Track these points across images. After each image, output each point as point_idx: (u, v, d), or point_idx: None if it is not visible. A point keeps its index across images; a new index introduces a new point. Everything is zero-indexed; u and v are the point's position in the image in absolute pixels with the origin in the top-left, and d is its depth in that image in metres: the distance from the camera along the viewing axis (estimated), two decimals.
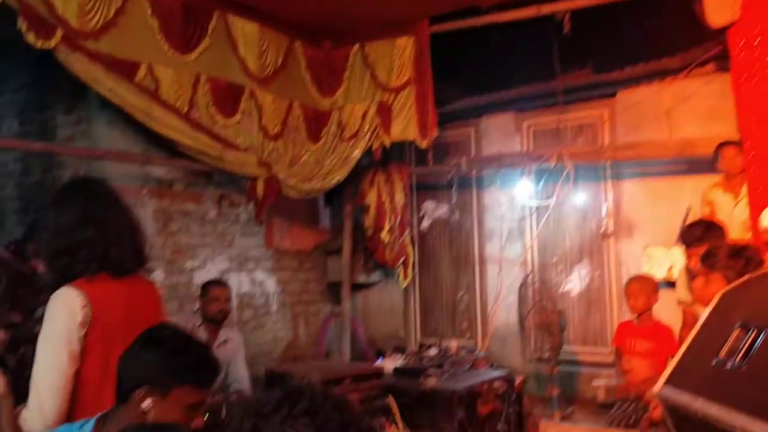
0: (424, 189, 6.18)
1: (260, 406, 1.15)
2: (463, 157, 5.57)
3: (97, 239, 2.16)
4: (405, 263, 5.78)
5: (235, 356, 4.31)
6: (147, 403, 1.72)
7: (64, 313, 2.07)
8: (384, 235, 5.67)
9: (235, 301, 4.80)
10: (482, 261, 5.89)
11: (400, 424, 2.50)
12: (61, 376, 2.05)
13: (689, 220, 4.48)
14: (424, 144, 5.31)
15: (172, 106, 4.37)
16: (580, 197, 5.42)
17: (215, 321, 4.26)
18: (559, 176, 5.05)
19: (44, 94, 5.19)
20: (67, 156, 4.89)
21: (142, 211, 4.76)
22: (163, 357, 1.75)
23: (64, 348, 2.05)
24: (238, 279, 5.37)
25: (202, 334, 4.21)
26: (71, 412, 2.08)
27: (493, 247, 5.77)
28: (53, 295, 2.10)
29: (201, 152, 4.55)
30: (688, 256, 3.61)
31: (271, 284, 5.73)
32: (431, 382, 2.80)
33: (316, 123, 5.34)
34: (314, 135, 5.34)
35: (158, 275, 4.84)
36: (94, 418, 1.82)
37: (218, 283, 4.41)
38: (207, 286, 4.34)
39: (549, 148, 5.24)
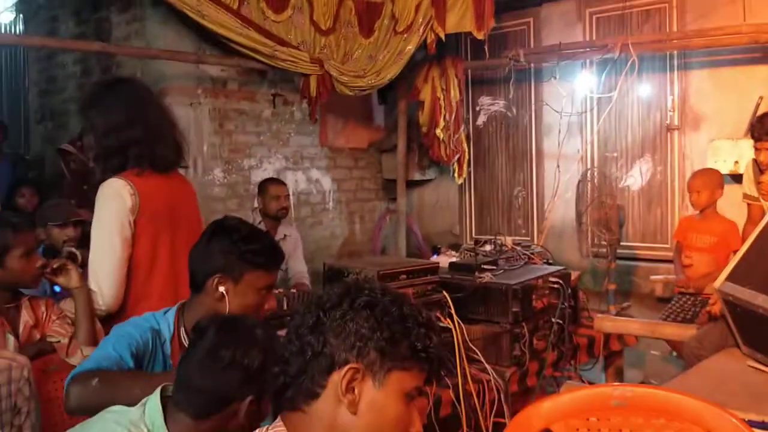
0: (480, 83, 6.01)
1: (322, 301, 1.18)
2: (521, 48, 5.34)
3: (144, 137, 2.26)
4: (460, 160, 5.72)
5: (294, 251, 4.44)
6: (221, 289, 1.82)
7: (115, 201, 2.21)
8: (439, 132, 5.59)
9: (292, 199, 4.88)
10: (539, 156, 5.78)
11: (455, 318, 2.55)
12: (116, 260, 2.20)
13: (760, 112, 4.26)
14: (480, 36, 5.11)
15: (223, 2, 4.30)
16: (644, 89, 5.18)
17: (275, 218, 4.37)
18: (623, 67, 4.81)
19: None
20: (124, 56, 4.92)
21: (198, 110, 4.81)
22: (233, 245, 1.83)
23: (117, 233, 2.20)
24: (294, 177, 5.44)
25: None
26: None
27: (551, 143, 5.63)
28: (102, 185, 2.23)
29: (253, 50, 4.50)
30: (757, 150, 3.46)
31: (326, 182, 5.79)
32: (486, 277, 2.82)
33: (368, 16, 5.17)
34: (367, 29, 5.19)
35: (217, 174, 4.95)
36: (175, 307, 1.92)
37: (277, 181, 4.48)
38: (266, 184, 4.42)
39: (612, 38, 4.97)
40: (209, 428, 1.47)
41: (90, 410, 1.54)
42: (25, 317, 2.38)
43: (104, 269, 2.20)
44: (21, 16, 6.41)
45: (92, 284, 2.19)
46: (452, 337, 2.47)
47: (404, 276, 2.53)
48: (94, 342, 2.18)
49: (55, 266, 2.29)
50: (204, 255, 1.87)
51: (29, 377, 1.64)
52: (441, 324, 2.51)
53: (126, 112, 2.27)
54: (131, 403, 1.50)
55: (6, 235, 2.27)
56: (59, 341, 2.34)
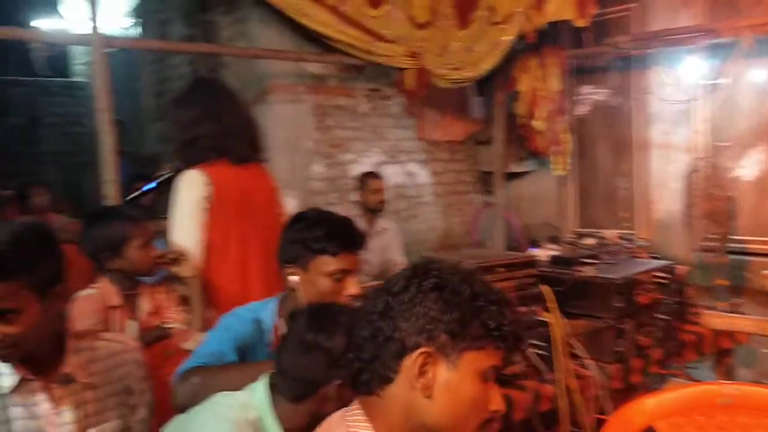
0: (581, 72, 5.84)
1: (390, 285, 1.17)
2: (625, 35, 5.15)
3: (217, 132, 2.44)
4: (560, 151, 5.60)
5: (392, 244, 4.51)
6: (294, 279, 1.89)
7: (190, 188, 2.39)
8: (538, 123, 5.49)
9: (389, 193, 4.94)
10: (644, 146, 5.56)
11: (556, 313, 2.52)
12: (192, 241, 2.37)
13: None
14: (581, 23, 4.98)
15: (323, 0, 4.40)
16: (758, 74, 4.88)
17: (373, 211, 4.45)
18: (733, 52, 4.55)
19: None
20: (229, 56, 5.14)
21: (300, 107, 4.95)
22: (296, 233, 1.90)
23: (192, 216, 2.38)
24: (391, 171, 5.50)
25: (360, 224, 4.42)
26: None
27: (657, 132, 5.40)
28: (179, 176, 2.42)
29: (351, 46, 4.58)
30: None
31: (423, 175, 5.81)
32: (587, 271, 2.76)
33: (464, 8, 5.13)
34: (463, 21, 5.15)
35: (318, 168, 5.08)
36: (277, 297, 2.01)
37: (374, 175, 4.56)
38: (364, 178, 4.51)
39: (722, 21, 4.71)
40: (307, 410, 1.54)
41: (195, 406, 1.65)
42: (145, 304, 2.56)
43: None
44: (136, 20, 6.80)
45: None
46: (551, 331, 2.44)
47: (502, 269, 2.52)
48: (207, 328, 2.31)
49: (170, 257, 2.44)
50: (279, 247, 1.94)
51: (142, 360, 1.72)
52: (540, 318, 2.48)
53: (203, 107, 2.47)
54: None
55: (125, 227, 2.45)
56: (176, 327, 2.50)
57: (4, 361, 1.50)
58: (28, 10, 9.14)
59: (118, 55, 7.08)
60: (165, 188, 2.77)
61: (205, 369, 1.76)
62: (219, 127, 2.45)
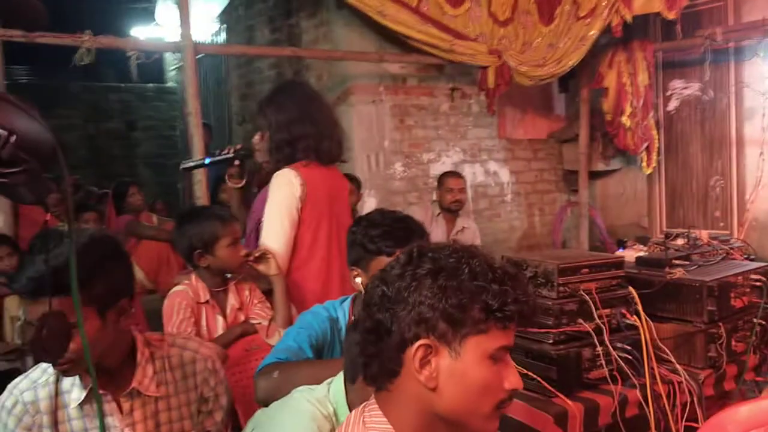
0: (671, 66, 5.61)
1: (386, 274, 1.12)
2: (719, 26, 4.91)
3: (313, 133, 2.51)
4: (649, 148, 5.40)
5: (472, 244, 4.47)
6: (358, 280, 1.92)
7: (286, 188, 2.47)
8: (625, 119, 5.31)
9: (470, 192, 4.91)
10: (740, 143, 5.28)
11: (643, 316, 2.43)
12: (285, 239, 2.46)
13: None
14: (671, 15, 4.78)
15: (403, 1, 4.42)
16: None
17: (452, 210, 4.43)
18: None
19: (290, 1, 5.56)
20: (312, 59, 5.25)
21: (380, 107, 4.99)
22: (355, 235, 1.94)
23: (287, 216, 2.47)
24: (471, 170, 5.46)
25: (440, 223, 4.42)
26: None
27: (754, 127, 5.12)
28: (276, 174, 2.50)
29: (431, 45, 4.58)
30: None
31: (504, 174, 5.74)
32: (677, 272, 2.65)
33: (548, 3, 5.04)
34: (546, 16, 5.06)
35: (398, 168, 5.11)
36: (351, 296, 2.04)
37: (454, 174, 4.54)
38: (443, 177, 4.50)
39: None
40: None
41: (276, 400, 1.69)
42: (231, 300, 2.65)
43: (274, 246, 2.49)
44: (223, 26, 7.04)
45: None
46: (639, 335, 2.36)
47: (586, 270, 2.45)
48: (290, 324, 2.36)
49: (257, 255, 2.52)
50: (347, 249, 2.00)
51: (214, 367, 1.72)
52: (627, 321, 2.40)
53: (298, 109, 2.53)
54: None
55: (216, 226, 2.55)
56: (260, 323, 2.58)
57: (65, 375, 1.53)
58: (125, 20, 9.64)
59: (206, 60, 7.36)
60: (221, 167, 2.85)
61: (285, 364, 1.80)
62: (314, 129, 2.53)
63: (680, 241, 3.30)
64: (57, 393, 1.57)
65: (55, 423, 1.56)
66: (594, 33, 4.96)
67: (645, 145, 5.36)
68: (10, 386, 1.59)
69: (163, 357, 1.67)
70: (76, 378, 1.56)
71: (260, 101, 2.71)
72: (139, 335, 1.67)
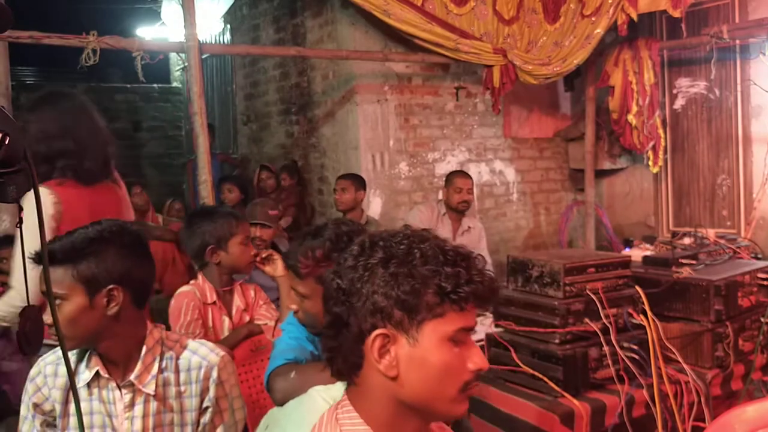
0: (677, 64, 5.59)
1: (340, 267, 1.11)
2: (724, 24, 4.89)
3: (74, 150, 2.29)
4: (655, 147, 5.38)
5: (478, 244, 4.46)
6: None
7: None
8: (631, 118, 5.29)
9: (475, 191, 4.89)
10: (747, 141, 5.25)
11: (650, 315, 2.42)
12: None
13: None
14: (676, 13, 4.76)
15: (408, 0, 4.41)
16: None
17: (459, 210, 4.42)
18: None
19: (295, 1, 5.56)
20: (317, 58, 5.25)
21: (384, 107, 4.99)
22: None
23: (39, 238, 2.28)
24: (477, 169, 5.46)
25: (445, 223, 4.41)
26: None
27: (761, 126, 5.10)
28: (27, 194, 2.32)
29: (436, 44, 4.57)
30: None
31: (510, 173, 5.73)
32: (684, 272, 2.64)
33: (553, 2, 5.02)
34: (552, 15, 5.04)
35: (403, 167, 5.10)
36: None
37: (462, 174, 4.53)
38: (452, 177, 4.49)
39: None
40: None
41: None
42: (237, 301, 2.65)
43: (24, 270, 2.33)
44: (228, 26, 7.05)
45: (14, 281, 2.21)
46: (645, 334, 2.35)
47: (593, 270, 2.44)
48: None
49: (263, 256, 2.53)
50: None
51: (220, 378, 1.68)
52: (634, 321, 2.39)
53: (60, 123, 2.30)
54: None
55: (230, 223, 2.57)
56: (266, 324, 2.58)
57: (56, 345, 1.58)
58: (130, 20, 9.67)
59: (211, 60, 7.38)
60: None
61: (300, 366, 1.79)
62: (76, 146, 2.30)
63: (687, 241, 3.29)
64: (75, 372, 1.61)
65: (66, 401, 1.61)
66: (599, 31, 4.94)
67: (651, 143, 5.33)
68: (41, 358, 1.66)
69: (172, 358, 1.67)
70: (88, 360, 1.60)
71: (26, 108, 2.44)
72: (156, 332, 1.67)
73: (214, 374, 1.68)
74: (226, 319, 2.59)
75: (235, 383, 1.74)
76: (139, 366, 1.60)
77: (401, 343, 1.05)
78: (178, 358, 1.67)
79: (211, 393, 1.68)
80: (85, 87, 9.12)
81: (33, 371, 1.66)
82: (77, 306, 1.52)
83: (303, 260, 1.74)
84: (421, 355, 1.05)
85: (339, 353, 1.11)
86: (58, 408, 1.62)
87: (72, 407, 1.61)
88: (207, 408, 1.68)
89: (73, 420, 1.61)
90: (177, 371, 1.66)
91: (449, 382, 1.06)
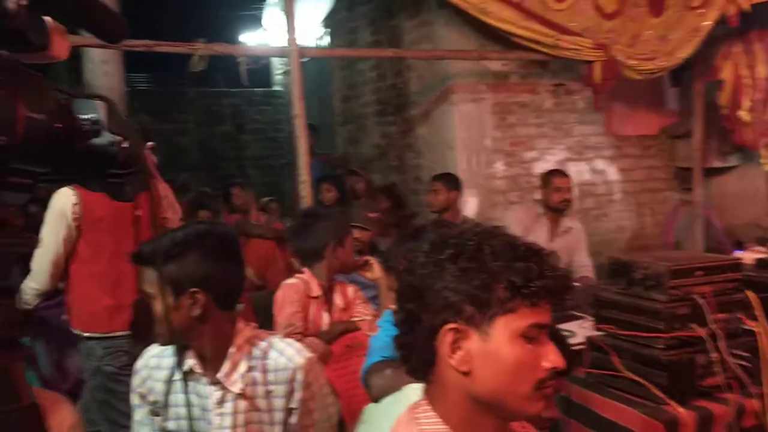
0: None
1: (411, 265, 1.11)
2: None
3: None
4: None
5: (578, 245, 4.35)
6: None
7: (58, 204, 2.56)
8: (743, 114, 5.01)
9: (575, 191, 4.77)
10: None
11: (762, 321, 2.29)
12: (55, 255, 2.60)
13: None
14: None
15: None
16: None
17: (559, 210, 4.33)
18: None
19: (391, 2, 5.62)
20: (413, 59, 5.28)
21: (481, 106, 4.95)
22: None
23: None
24: (576, 168, 5.32)
25: (543, 223, 4.33)
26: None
27: None
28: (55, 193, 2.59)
29: (535, 41, 4.50)
30: None
31: (612, 172, 5.55)
32: None
33: None
34: (656, 7, 4.84)
35: (499, 167, 5.05)
36: None
37: (560, 173, 4.43)
38: (549, 176, 4.40)
39: None
40: None
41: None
42: (337, 300, 2.73)
43: (41, 261, 2.59)
44: (326, 30, 7.21)
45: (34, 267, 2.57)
46: (757, 341, 2.23)
47: (700, 273, 2.34)
48: None
49: (363, 260, 2.61)
50: None
51: (306, 380, 1.68)
52: (745, 327, 2.27)
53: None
54: None
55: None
56: (363, 320, 2.64)
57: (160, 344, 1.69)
58: (235, 27, 10.08)
59: (310, 63, 7.57)
60: None
61: (396, 363, 1.82)
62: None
63: None
64: (175, 365, 1.69)
65: (168, 392, 1.69)
66: (708, 23, 4.71)
67: (765, 140, 5.03)
68: (147, 349, 1.76)
69: (260, 357, 1.68)
70: (186, 354, 1.67)
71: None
72: (247, 330, 1.71)
73: (299, 377, 1.67)
74: (326, 315, 2.67)
75: (323, 383, 1.75)
76: (226, 365, 1.64)
77: (473, 339, 1.05)
78: (266, 358, 1.68)
79: (297, 395, 1.68)
80: (193, 92, 9.60)
81: (139, 364, 1.74)
82: (165, 306, 1.58)
83: (402, 262, 1.76)
84: (494, 350, 1.04)
85: (412, 350, 1.11)
86: (161, 399, 1.69)
87: (173, 398, 1.68)
88: (293, 409, 1.68)
89: (174, 410, 1.69)
90: (265, 371, 1.67)
91: (522, 378, 1.05)
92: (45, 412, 0.87)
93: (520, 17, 4.40)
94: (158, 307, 1.59)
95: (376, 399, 1.79)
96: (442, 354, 1.06)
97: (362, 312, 2.69)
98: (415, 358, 1.11)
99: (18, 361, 0.70)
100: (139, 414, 1.75)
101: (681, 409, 2.11)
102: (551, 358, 1.07)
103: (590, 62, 4.65)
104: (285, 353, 1.69)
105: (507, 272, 1.03)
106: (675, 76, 5.55)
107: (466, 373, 1.05)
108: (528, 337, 1.05)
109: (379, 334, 1.97)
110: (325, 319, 2.67)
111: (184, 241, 1.59)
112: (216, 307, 1.62)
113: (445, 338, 1.05)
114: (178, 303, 1.59)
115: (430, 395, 1.13)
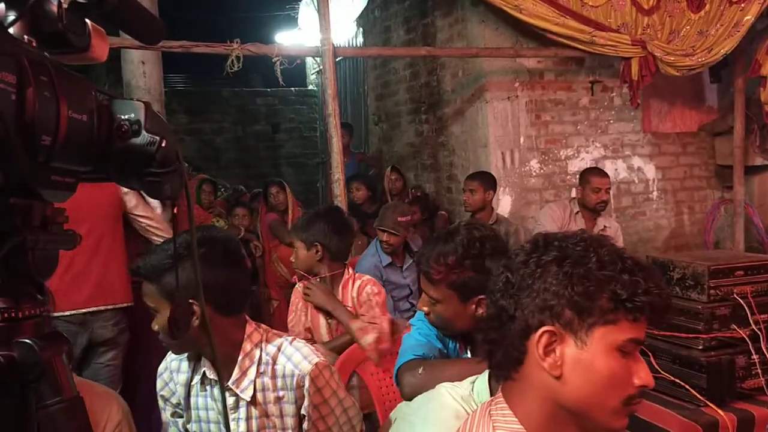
0: None
1: (510, 261, 1.10)
2: None
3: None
4: None
5: (600, 234, 4.28)
6: None
7: None
8: None
9: (612, 189, 4.70)
10: None
11: None
12: None
13: None
14: None
15: None
16: None
17: (595, 210, 4.27)
18: None
19: (425, 1, 5.61)
20: (447, 57, 5.26)
21: (515, 103, 4.91)
22: None
23: None
24: (613, 166, 5.25)
25: (579, 222, 4.28)
26: None
27: None
28: None
29: (570, 38, 4.45)
30: None
31: (649, 170, 5.46)
32: None
33: None
34: (696, 2, 4.75)
35: (533, 164, 5.01)
36: None
37: (599, 172, 4.37)
38: (587, 175, 4.34)
39: None
40: None
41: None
42: (346, 301, 2.75)
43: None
44: (360, 29, 7.23)
45: None
46: None
47: (741, 272, 2.29)
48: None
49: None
50: None
51: (315, 386, 1.65)
52: None
53: None
54: None
55: (327, 226, 2.72)
56: (366, 324, 2.66)
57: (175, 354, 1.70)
58: (269, 27, 10.17)
59: (344, 62, 7.60)
60: None
61: (429, 362, 1.82)
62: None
63: None
64: (194, 370, 1.70)
65: (188, 395, 1.70)
66: (749, 18, 4.59)
67: None
68: (168, 354, 1.76)
69: (269, 363, 1.66)
70: (202, 359, 1.68)
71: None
72: (256, 335, 1.67)
73: (307, 383, 1.64)
74: (323, 319, 2.69)
75: (337, 386, 1.70)
76: (236, 371, 1.62)
77: (569, 344, 1.04)
78: (275, 363, 1.65)
79: (307, 401, 1.65)
80: (229, 92, 9.71)
81: (161, 367, 1.75)
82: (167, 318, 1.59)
83: (435, 266, 1.73)
84: (589, 359, 1.03)
85: (500, 346, 1.10)
86: (182, 401, 1.71)
87: (194, 400, 1.70)
88: (305, 416, 1.66)
89: (195, 413, 1.70)
90: (274, 377, 1.65)
91: (613, 392, 1.04)
92: (92, 406, 0.89)
93: (554, 13, 4.36)
94: (161, 320, 1.56)
95: (408, 398, 1.79)
96: (534, 355, 1.05)
97: (368, 315, 2.64)
98: (502, 354, 1.10)
99: (61, 354, 0.72)
100: (165, 416, 1.77)
101: (720, 412, 2.07)
102: (642, 375, 1.05)
103: (627, 59, 4.58)
104: (292, 359, 1.66)
105: (613, 283, 1.02)
106: (715, 72, 5.44)
107: (557, 378, 1.04)
108: (624, 351, 1.04)
109: (412, 333, 1.97)
110: (322, 322, 2.70)
111: (177, 254, 1.52)
112: (219, 314, 1.59)
113: (540, 340, 1.04)
114: (175, 312, 1.58)
115: (509, 393, 1.12)
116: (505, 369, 1.11)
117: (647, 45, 4.52)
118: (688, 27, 4.73)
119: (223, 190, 6.42)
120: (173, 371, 1.72)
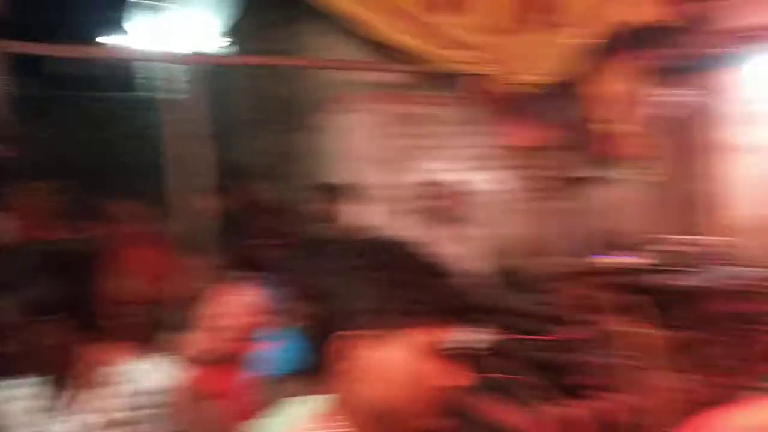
0: (659, 73, 5.60)
1: (315, 269, 1.14)
2: (707, 34, 4.91)
3: None
4: (642, 156, 5.38)
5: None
6: None
7: None
8: (618, 127, 5.30)
9: (462, 200, 4.84)
10: (726, 149, 5.26)
11: (651, 323, 2.41)
12: None
13: None
14: (663, 23, 4.79)
15: (384, 7, 4.39)
16: None
17: (442, 220, 4.36)
18: None
19: (276, 12, 5.49)
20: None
21: (368, 116, 4.94)
22: None
23: None
24: (464, 178, 5.39)
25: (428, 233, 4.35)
26: None
27: (745, 133, 5.12)
28: None
29: (427, 54, 4.54)
30: None
31: (498, 182, 5.67)
32: (683, 279, 2.64)
33: (527, 10, 5.01)
34: (539, 24, 5.04)
35: (384, 177, 5.04)
36: None
37: (439, 184, 4.47)
38: (431, 187, 4.42)
39: None
40: None
41: None
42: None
43: None
44: (222, 37, 6.99)
45: None
46: (633, 342, 2.34)
47: (578, 277, 2.44)
48: None
49: None
50: None
51: (166, 399, 1.66)
52: (619, 328, 2.38)
53: None
54: None
55: None
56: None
57: None
58: (98, 30, 9.58)
59: (196, 70, 7.30)
60: None
61: (276, 377, 1.77)
62: None
63: (671, 248, 3.29)
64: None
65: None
66: (579, 41, 4.95)
67: (635, 151, 5.33)
68: None
69: (125, 381, 1.64)
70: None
71: None
72: (113, 352, 1.64)
73: (158, 398, 1.63)
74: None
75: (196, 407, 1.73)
76: (95, 390, 1.58)
77: (369, 348, 1.05)
78: (130, 381, 1.63)
79: (162, 416, 1.63)
80: (69, 96, 9.10)
81: None
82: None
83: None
84: (388, 362, 1.05)
85: (314, 353, 1.10)
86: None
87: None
88: None
89: None
90: (130, 395, 1.61)
91: (417, 393, 1.06)
92: None
93: (403, 30, 4.44)
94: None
95: (259, 414, 1.74)
96: (339, 361, 1.06)
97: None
98: (317, 362, 1.10)
99: None
100: None
101: (557, 408, 2.17)
102: (449, 377, 1.07)
103: (477, 75, 4.76)
104: (147, 375, 1.63)
105: (406, 288, 1.04)
106: (558, 90, 5.78)
107: (360, 383, 1.06)
108: (426, 352, 1.05)
109: (264, 349, 1.92)
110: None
111: (12, 270, 1.45)
112: (70, 332, 1.49)
113: (341, 346, 1.05)
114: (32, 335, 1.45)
115: (333, 404, 1.11)
116: (317, 377, 1.12)
117: (496, 62, 4.73)
118: (533, 46, 5.01)
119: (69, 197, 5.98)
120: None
